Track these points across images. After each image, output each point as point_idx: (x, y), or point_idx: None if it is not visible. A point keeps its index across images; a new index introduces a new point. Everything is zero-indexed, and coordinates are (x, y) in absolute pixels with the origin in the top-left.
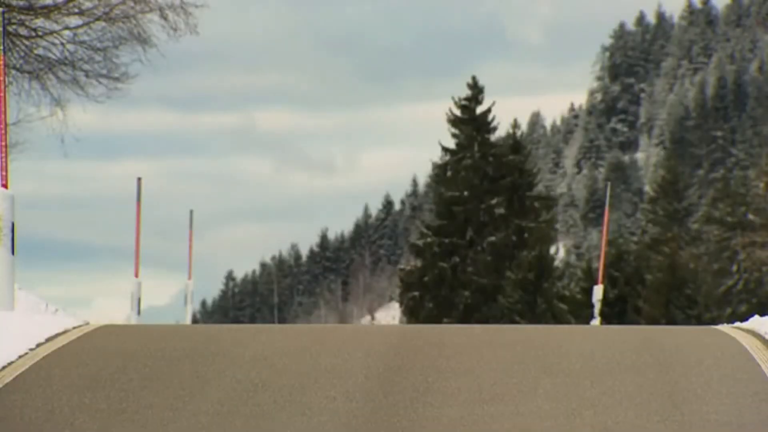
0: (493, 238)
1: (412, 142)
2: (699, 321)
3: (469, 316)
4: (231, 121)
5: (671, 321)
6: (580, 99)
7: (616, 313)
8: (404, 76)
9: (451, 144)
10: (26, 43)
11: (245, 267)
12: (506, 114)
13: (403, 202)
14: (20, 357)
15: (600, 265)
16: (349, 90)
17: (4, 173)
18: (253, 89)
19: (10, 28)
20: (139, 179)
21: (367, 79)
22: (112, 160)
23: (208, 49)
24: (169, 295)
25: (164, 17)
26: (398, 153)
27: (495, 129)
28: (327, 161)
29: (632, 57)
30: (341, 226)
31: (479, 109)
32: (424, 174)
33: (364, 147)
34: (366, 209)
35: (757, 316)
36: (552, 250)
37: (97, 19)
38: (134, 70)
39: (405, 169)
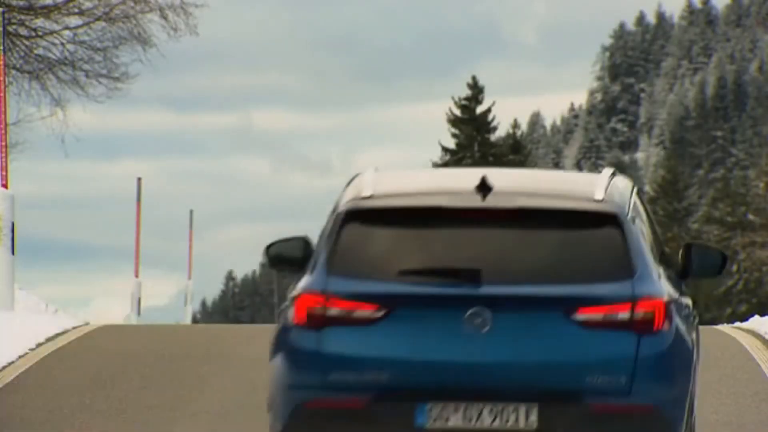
0: None
1: (411, 142)
2: (699, 321)
3: None
4: (230, 121)
5: None
6: (580, 99)
7: None
8: (403, 77)
9: (451, 144)
10: (26, 43)
11: (245, 267)
12: (506, 114)
13: None
14: (20, 357)
15: None
16: (348, 90)
17: (4, 173)
18: (251, 89)
19: (10, 28)
20: (139, 179)
21: (366, 80)
22: (111, 160)
23: (206, 49)
24: (168, 295)
25: (164, 17)
26: (397, 153)
27: (495, 129)
28: (326, 161)
29: (632, 57)
30: None
31: (479, 109)
32: None
33: (363, 147)
34: None
35: (757, 316)
36: None
37: (97, 19)
38: (134, 70)
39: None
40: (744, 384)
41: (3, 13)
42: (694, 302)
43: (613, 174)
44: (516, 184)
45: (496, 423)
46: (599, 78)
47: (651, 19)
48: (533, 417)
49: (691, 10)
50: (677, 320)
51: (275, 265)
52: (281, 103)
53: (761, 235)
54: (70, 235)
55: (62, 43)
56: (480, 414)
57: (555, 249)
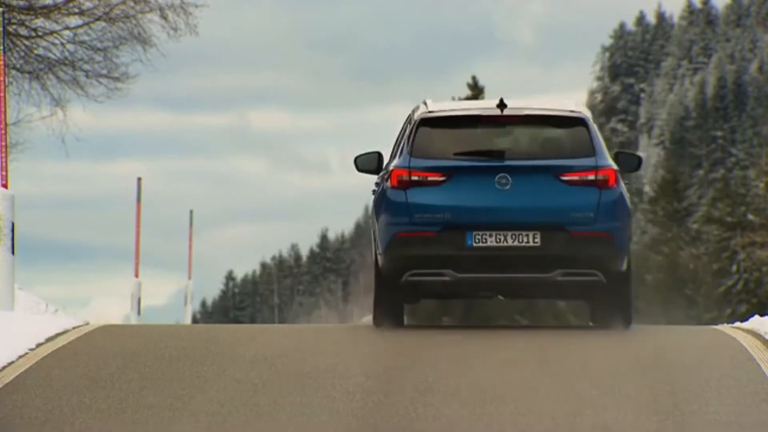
0: None
1: None
2: (699, 321)
3: (469, 316)
4: (228, 121)
5: (671, 321)
6: (580, 99)
7: None
8: (400, 76)
9: None
10: (26, 43)
11: (245, 267)
12: None
13: None
14: (20, 357)
15: None
16: (345, 90)
17: (4, 173)
18: (249, 89)
19: (10, 28)
20: (139, 179)
21: (363, 79)
22: (108, 161)
23: (203, 48)
24: (166, 295)
25: (164, 17)
26: None
27: None
28: (325, 161)
29: (632, 57)
30: (341, 226)
31: None
32: None
33: (361, 147)
34: (366, 209)
35: (757, 316)
36: None
37: (97, 19)
38: (134, 70)
39: None
40: (744, 384)
41: (3, 13)
42: (694, 302)
43: (576, 102)
44: (521, 103)
45: (516, 243)
46: (599, 78)
47: (651, 19)
48: (537, 239)
49: (691, 10)
50: (621, 183)
51: (361, 171)
52: (279, 103)
53: (761, 235)
54: (70, 235)
55: (62, 43)
56: (505, 237)
57: (548, 138)
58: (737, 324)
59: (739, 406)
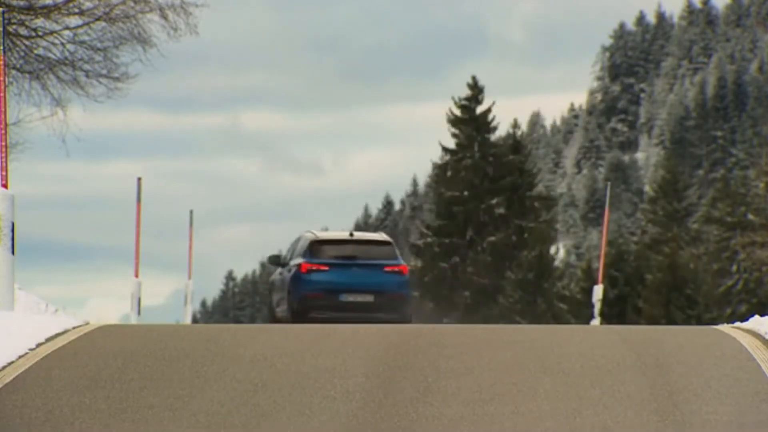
0: (493, 238)
1: (403, 142)
2: (699, 321)
3: (469, 316)
4: (222, 122)
5: (671, 321)
6: (580, 99)
7: (616, 313)
8: (394, 77)
9: (451, 144)
10: (26, 43)
11: (245, 267)
12: (506, 114)
13: (402, 202)
14: (20, 357)
15: (600, 265)
16: (340, 91)
17: (4, 173)
18: (243, 90)
19: (10, 28)
20: (139, 179)
21: (357, 80)
22: (106, 161)
23: (197, 50)
24: (164, 295)
25: (164, 17)
26: (389, 153)
27: (495, 129)
28: (323, 162)
29: (632, 57)
30: (341, 226)
31: (479, 109)
32: (421, 174)
33: (356, 147)
34: (366, 209)
35: (757, 316)
36: (552, 250)
37: (97, 19)
38: (134, 70)
39: (400, 169)
40: (744, 384)
41: (3, 13)
42: (694, 302)
43: (387, 233)
44: (361, 234)
45: (362, 299)
46: (599, 78)
47: (651, 19)
48: (372, 298)
49: (691, 10)
50: (409, 273)
51: (271, 264)
52: (273, 104)
53: (761, 235)
54: (70, 235)
55: (62, 43)
56: (357, 296)
57: (374, 250)
58: (737, 324)
59: (739, 406)
